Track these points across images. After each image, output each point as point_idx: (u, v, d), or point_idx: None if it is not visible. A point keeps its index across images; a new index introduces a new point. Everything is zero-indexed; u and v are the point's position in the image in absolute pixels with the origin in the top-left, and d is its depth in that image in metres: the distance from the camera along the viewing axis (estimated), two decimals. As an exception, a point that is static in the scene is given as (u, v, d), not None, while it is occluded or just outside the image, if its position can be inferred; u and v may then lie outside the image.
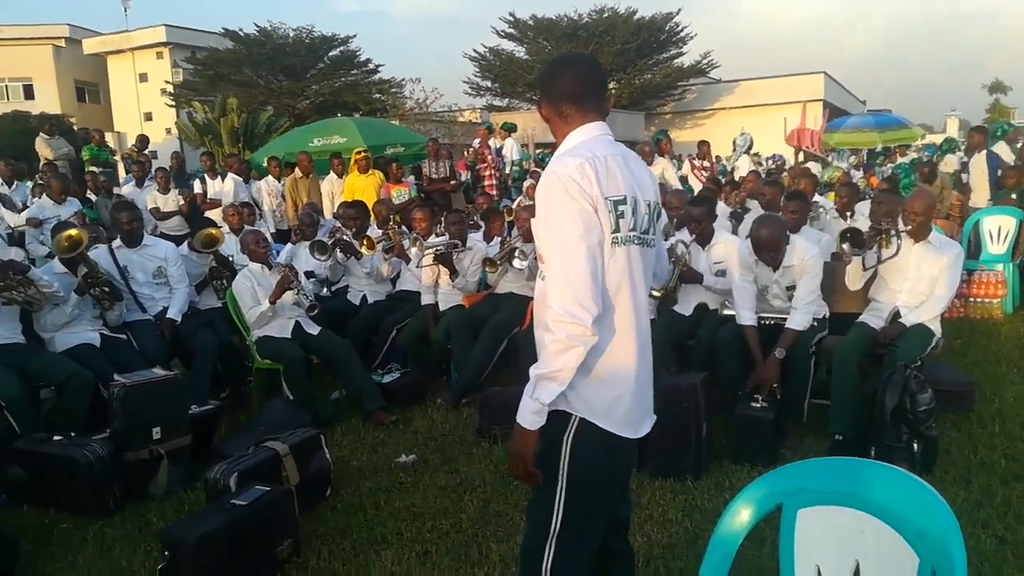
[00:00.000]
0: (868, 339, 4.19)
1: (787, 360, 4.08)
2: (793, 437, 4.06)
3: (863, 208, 5.89)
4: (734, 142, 13.75)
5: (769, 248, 4.19)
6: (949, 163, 12.67)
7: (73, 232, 4.72)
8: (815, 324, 4.26)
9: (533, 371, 1.79)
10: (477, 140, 12.41)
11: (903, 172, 11.62)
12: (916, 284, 4.23)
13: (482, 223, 6.45)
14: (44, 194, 7.82)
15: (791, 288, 4.29)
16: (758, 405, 3.90)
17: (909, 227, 4.20)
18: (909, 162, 13.56)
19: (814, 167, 11.81)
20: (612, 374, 1.85)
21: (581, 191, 1.77)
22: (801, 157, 13.27)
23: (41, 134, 11.76)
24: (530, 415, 1.78)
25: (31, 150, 12.24)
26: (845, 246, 4.22)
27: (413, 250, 5.54)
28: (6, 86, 33.38)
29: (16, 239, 7.41)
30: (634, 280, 1.89)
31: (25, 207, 8.10)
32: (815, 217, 5.97)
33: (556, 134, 1.98)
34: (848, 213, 6.07)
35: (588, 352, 1.78)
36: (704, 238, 4.83)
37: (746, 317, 4.30)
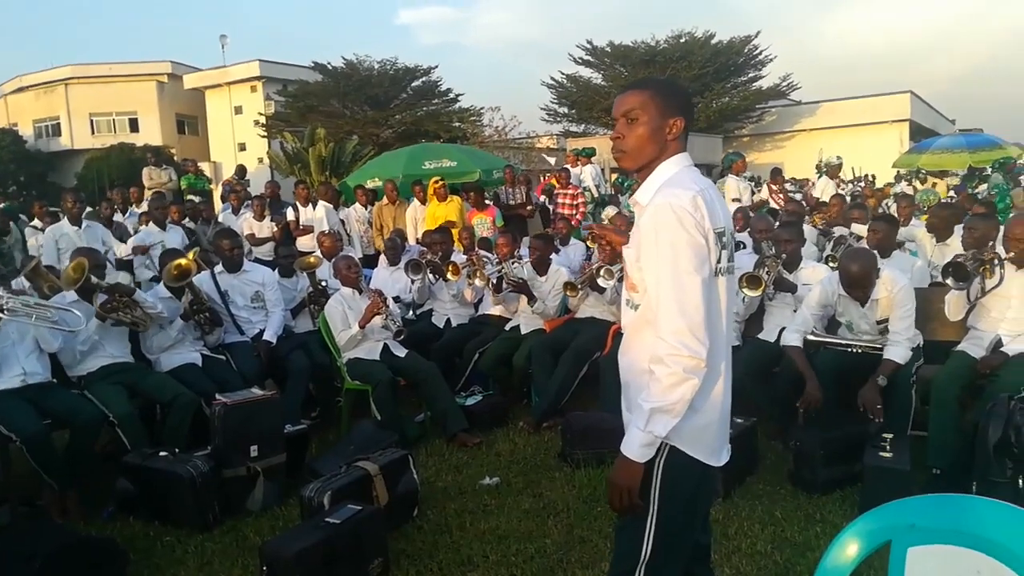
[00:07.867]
0: (968, 369, 4.02)
1: (888, 390, 3.95)
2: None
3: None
4: (819, 164, 13.44)
5: (860, 284, 4.08)
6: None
7: (183, 262, 4.94)
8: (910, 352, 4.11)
9: (645, 404, 1.78)
10: (566, 166, 12.51)
11: (999, 194, 11.08)
12: (1020, 312, 4.03)
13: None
14: (151, 221, 8.28)
15: (881, 322, 4.16)
16: (888, 455, 3.58)
17: (1011, 254, 4.03)
18: (1006, 183, 12.87)
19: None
20: (705, 403, 1.87)
21: (696, 224, 1.78)
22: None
23: (151, 166, 12.50)
24: (640, 447, 1.79)
25: (136, 179, 13.04)
26: (950, 281, 4.09)
27: (477, 281, 5.62)
28: (113, 120, 35.49)
29: (123, 264, 7.88)
30: (727, 309, 1.92)
31: (135, 233, 8.62)
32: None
33: (643, 157, 1.91)
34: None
35: None
36: (792, 262, 4.75)
37: (791, 339, 4.31)
